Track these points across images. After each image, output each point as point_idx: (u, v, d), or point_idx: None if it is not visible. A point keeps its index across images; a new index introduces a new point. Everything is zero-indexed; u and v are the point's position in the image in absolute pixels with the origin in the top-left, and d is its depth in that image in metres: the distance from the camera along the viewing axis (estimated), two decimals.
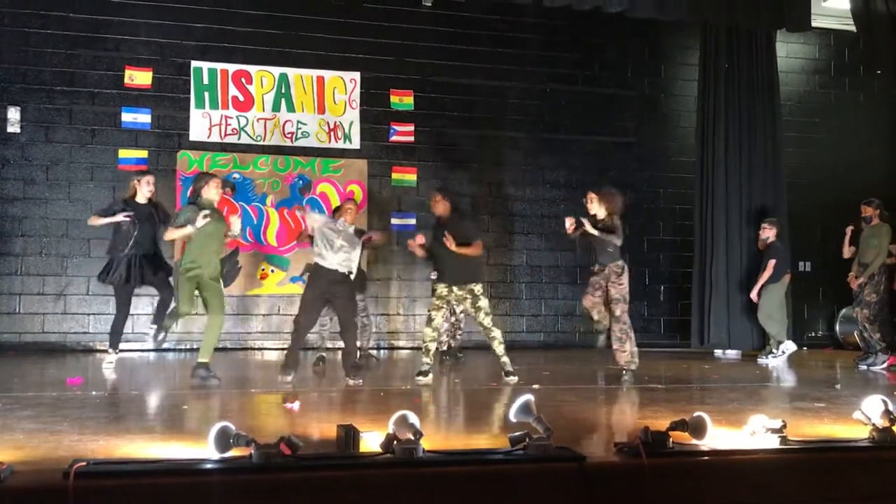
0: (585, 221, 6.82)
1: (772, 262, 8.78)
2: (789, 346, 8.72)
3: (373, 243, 7.73)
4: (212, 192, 6.40)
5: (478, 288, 6.76)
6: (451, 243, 6.51)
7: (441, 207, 6.86)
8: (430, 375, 6.60)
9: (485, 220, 10.22)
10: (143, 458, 3.36)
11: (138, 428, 4.50)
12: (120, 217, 7.20)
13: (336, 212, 7.32)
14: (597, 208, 6.94)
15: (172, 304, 7.04)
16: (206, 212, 6.22)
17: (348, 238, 6.62)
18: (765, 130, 10.15)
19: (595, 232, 6.81)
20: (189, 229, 6.21)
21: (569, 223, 6.87)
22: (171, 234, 6.45)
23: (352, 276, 6.65)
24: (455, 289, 6.75)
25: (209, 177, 6.52)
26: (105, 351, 7.73)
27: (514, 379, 6.61)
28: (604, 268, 6.88)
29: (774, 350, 8.77)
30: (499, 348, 6.77)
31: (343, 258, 6.51)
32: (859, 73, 11.56)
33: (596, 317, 7.04)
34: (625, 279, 6.83)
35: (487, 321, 6.76)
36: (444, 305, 6.85)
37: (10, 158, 9.22)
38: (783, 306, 9.00)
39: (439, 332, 7.02)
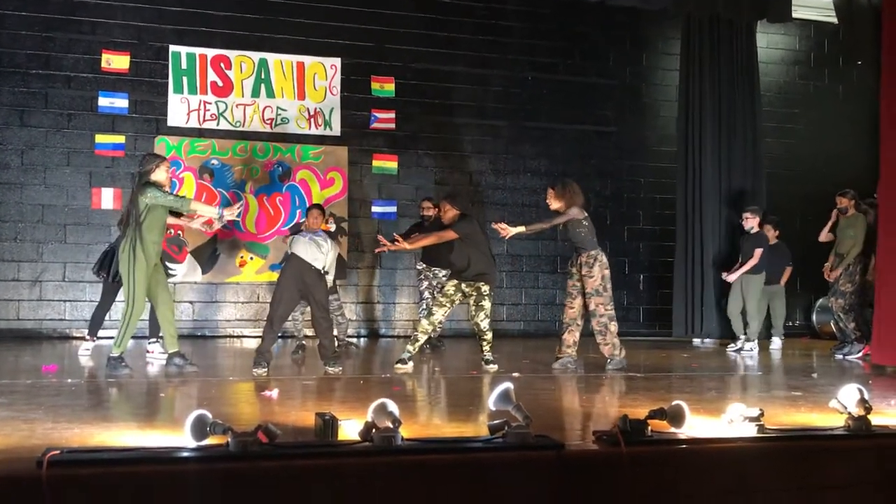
0: (514, 228, 6.82)
1: (759, 251, 8.82)
2: (754, 347, 8.77)
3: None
4: (161, 175, 6.27)
5: (486, 288, 6.76)
6: (402, 243, 6.88)
7: (450, 215, 6.89)
8: (410, 364, 6.59)
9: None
10: (119, 447, 3.33)
11: (114, 416, 4.46)
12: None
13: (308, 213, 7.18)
14: (554, 203, 6.93)
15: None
16: (241, 204, 6.42)
17: (320, 239, 6.58)
18: (745, 121, 10.21)
19: (523, 229, 6.91)
20: (215, 213, 6.37)
21: (502, 233, 6.84)
22: (197, 206, 6.59)
23: (328, 276, 6.58)
24: (463, 285, 6.76)
25: (159, 158, 6.39)
26: (82, 338, 7.65)
27: (493, 367, 6.62)
28: (579, 256, 6.86)
29: (748, 336, 8.84)
30: (485, 346, 6.78)
31: (318, 252, 6.42)
32: (839, 65, 11.65)
33: (566, 335, 6.84)
34: (596, 270, 6.74)
35: (485, 323, 6.77)
36: (449, 304, 6.83)
37: None
38: (762, 299, 9.08)
39: (435, 327, 7.01)
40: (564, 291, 7.13)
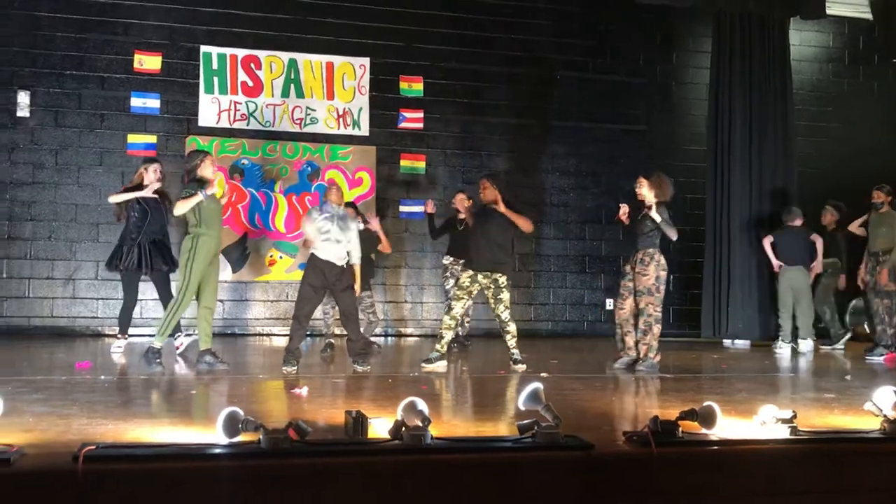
0: (648, 210, 6.64)
1: (767, 240, 8.84)
2: (783, 347, 8.72)
3: (371, 226, 7.80)
4: (207, 170, 6.34)
5: (503, 279, 6.72)
6: (500, 206, 6.65)
7: (489, 194, 6.81)
8: (441, 363, 6.59)
9: None
10: (152, 443, 3.36)
11: (147, 412, 4.52)
12: (139, 194, 7.11)
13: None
14: (646, 193, 6.79)
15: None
16: (216, 183, 6.41)
17: (340, 222, 6.50)
18: (776, 119, 10.07)
19: (657, 217, 6.62)
20: (199, 196, 6.13)
21: (623, 210, 6.72)
22: (182, 206, 6.15)
23: (352, 256, 6.58)
24: (480, 276, 6.73)
25: (203, 154, 6.45)
26: (114, 336, 7.76)
27: (522, 367, 6.60)
28: (636, 253, 6.78)
29: (782, 336, 8.79)
30: (511, 341, 6.75)
31: (338, 249, 6.44)
32: (874, 62, 11.45)
33: (625, 336, 6.78)
34: (651, 269, 6.63)
35: (506, 315, 6.73)
36: (466, 296, 6.82)
37: (19, 143, 9.23)
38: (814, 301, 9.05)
39: (458, 321, 7.00)
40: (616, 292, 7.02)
